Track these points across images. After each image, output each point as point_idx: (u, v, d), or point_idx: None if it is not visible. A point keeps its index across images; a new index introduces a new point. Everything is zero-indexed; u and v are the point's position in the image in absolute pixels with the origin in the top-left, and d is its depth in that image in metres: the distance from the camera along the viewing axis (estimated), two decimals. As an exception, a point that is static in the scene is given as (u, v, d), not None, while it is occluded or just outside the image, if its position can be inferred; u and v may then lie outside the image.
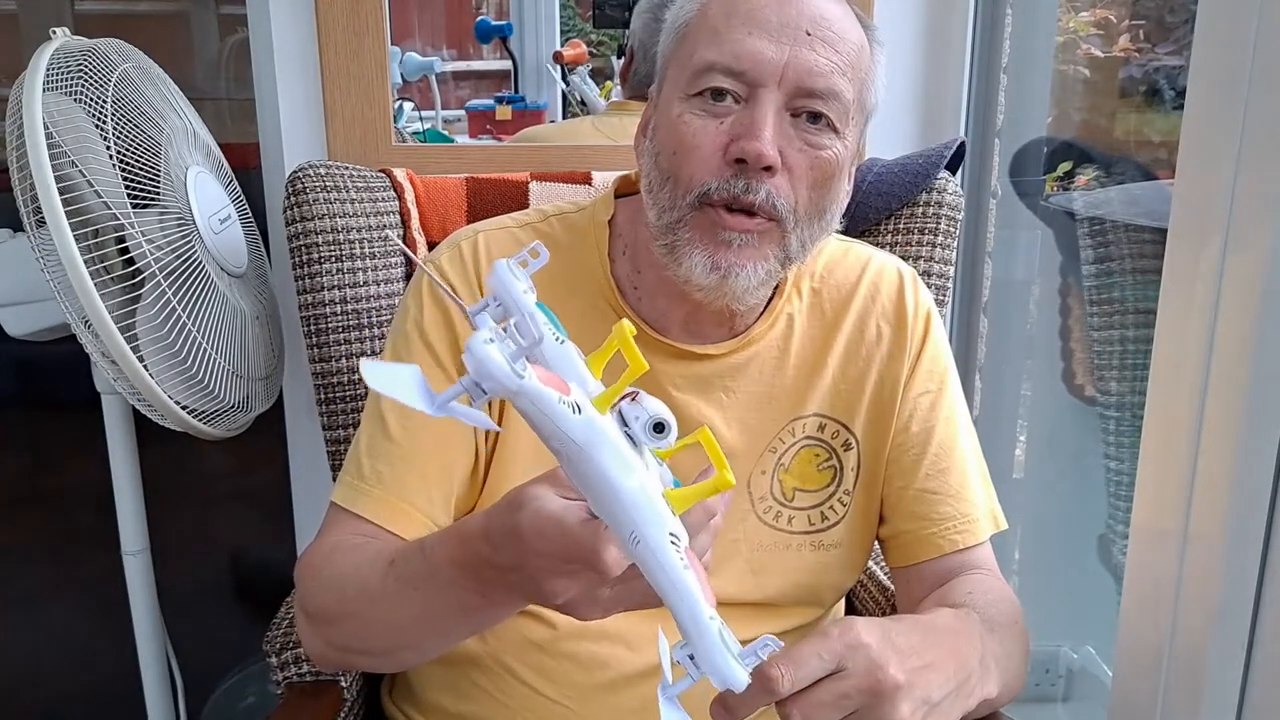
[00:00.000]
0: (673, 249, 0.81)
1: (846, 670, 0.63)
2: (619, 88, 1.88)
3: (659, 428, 0.50)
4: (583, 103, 2.33)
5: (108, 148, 1.03)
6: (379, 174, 1.18)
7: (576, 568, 0.57)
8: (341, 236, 1.09)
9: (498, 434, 0.87)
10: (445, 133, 2.36)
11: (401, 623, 0.74)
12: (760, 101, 0.78)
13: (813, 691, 0.62)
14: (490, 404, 0.86)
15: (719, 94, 0.79)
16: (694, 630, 0.48)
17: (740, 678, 0.50)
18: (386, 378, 0.47)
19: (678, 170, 0.80)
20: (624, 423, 0.51)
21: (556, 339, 0.52)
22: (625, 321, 0.51)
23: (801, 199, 0.80)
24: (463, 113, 2.50)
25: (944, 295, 1.16)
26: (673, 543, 0.49)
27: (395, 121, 1.36)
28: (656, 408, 0.51)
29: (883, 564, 1.09)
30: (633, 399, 0.51)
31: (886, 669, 0.64)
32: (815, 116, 0.79)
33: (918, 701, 0.65)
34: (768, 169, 0.77)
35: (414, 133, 2.27)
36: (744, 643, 0.54)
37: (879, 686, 0.63)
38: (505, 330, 0.46)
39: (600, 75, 2.48)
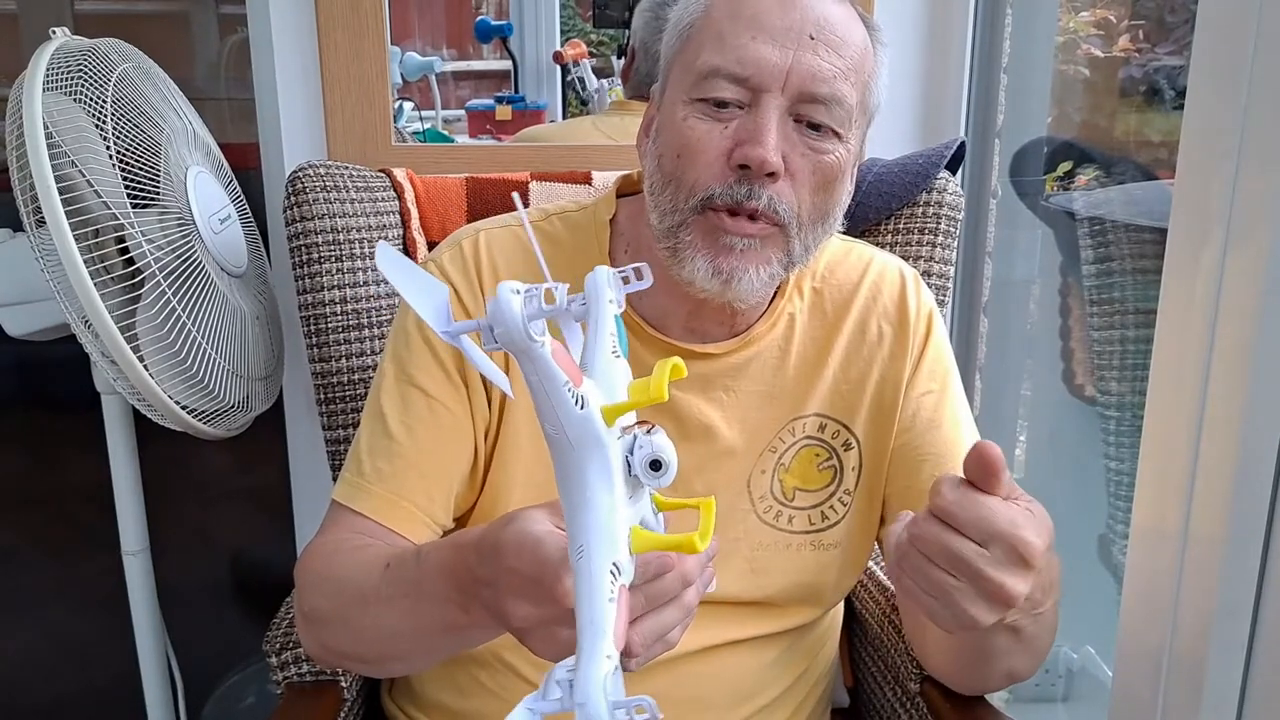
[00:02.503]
0: (675, 252, 0.81)
1: (990, 552, 0.61)
2: (620, 88, 1.87)
3: (655, 464, 0.50)
4: (584, 89, 2.31)
5: (108, 148, 1.03)
6: (379, 174, 1.18)
7: (539, 594, 0.57)
8: (341, 236, 1.09)
9: (498, 434, 0.87)
10: (445, 133, 2.36)
11: (389, 631, 0.74)
12: (764, 107, 0.77)
13: (949, 533, 0.61)
14: (490, 399, 0.86)
15: (723, 101, 0.78)
16: (585, 659, 0.45)
17: None
18: (407, 279, 0.47)
19: (681, 174, 0.80)
20: (632, 451, 0.51)
21: (614, 353, 0.52)
22: (677, 359, 0.51)
23: (804, 203, 0.80)
24: (463, 113, 2.50)
25: (944, 295, 1.16)
26: (612, 572, 0.47)
27: (395, 121, 1.36)
28: (662, 445, 0.50)
29: (883, 564, 1.09)
30: (648, 430, 0.51)
31: (1018, 587, 0.61)
32: (818, 122, 0.79)
33: (1008, 613, 0.64)
34: (771, 175, 0.77)
35: (414, 133, 2.27)
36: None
37: (999, 593, 0.61)
38: (533, 290, 0.46)
39: (600, 75, 2.47)
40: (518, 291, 0.45)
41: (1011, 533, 0.61)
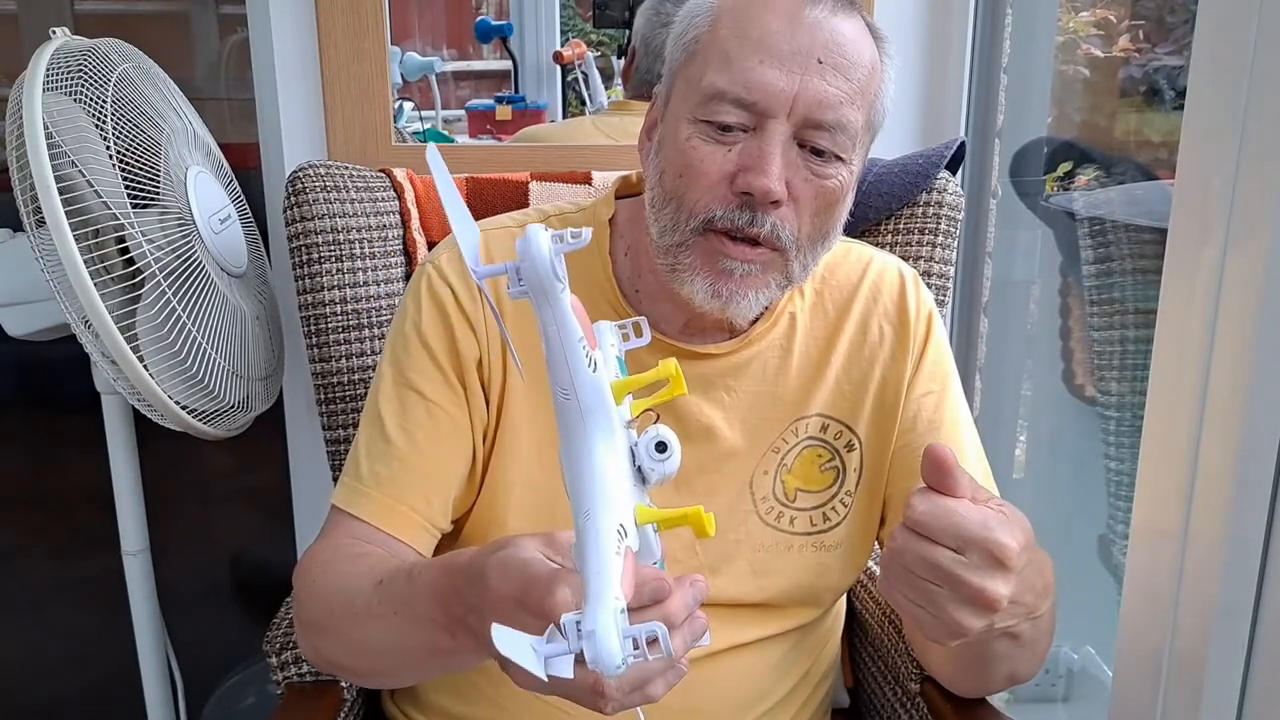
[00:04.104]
0: (674, 270, 0.81)
1: (966, 557, 0.61)
2: (619, 88, 1.87)
3: (660, 446, 0.51)
4: (588, 87, 2.31)
5: (108, 148, 1.03)
6: (379, 174, 1.18)
7: (526, 620, 0.56)
8: (341, 236, 1.09)
9: (496, 436, 0.87)
10: (445, 133, 2.36)
11: (379, 647, 0.74)
12: (768, 133, 0.77)
13: (925, 544, 0.61)
14: (489, 401, 0.86)
15: (726, 125, 0.78)
16: (593, 598, 0.45)
17: (613, 654, 0.45)
18: (453, 203, 0.49)
19: (682, 194, 0.80)
20: (637, 443, 0.52)
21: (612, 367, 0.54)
22: (672, 360, 0.53)
23: (805, 226, 0.80)
24: (463, 113, 2.49)
25: (944, 295, 1.16)
26: (618, 532, 0.48)
27: (395, 121, 1.36)
28: (667, 430, 0.52)
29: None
30: (655, 419, 0.52)
31: (998, 589, 0.61)
32: (822, 148, 0.78)
33: (991, 621, 0.64)
34: (774, 202, 0.77)
35: (414, 133, 2.26)
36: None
37: (981, 597, 0.61)
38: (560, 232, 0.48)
39: (600, 75, 2.47)
40: (546, 230, 0.47)
41: (984, 535, 0.61)
